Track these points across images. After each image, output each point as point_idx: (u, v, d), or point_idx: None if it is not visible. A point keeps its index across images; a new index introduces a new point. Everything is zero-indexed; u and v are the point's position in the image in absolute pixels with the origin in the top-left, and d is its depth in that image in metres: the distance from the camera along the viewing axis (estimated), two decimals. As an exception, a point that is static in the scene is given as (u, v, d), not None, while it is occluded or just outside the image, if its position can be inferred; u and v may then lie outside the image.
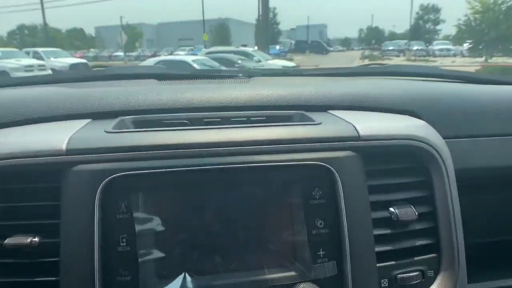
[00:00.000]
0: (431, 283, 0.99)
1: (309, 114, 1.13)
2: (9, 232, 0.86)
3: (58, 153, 0.87)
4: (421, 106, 1.23)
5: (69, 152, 0.87)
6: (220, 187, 0.90)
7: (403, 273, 0.96)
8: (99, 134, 0.95)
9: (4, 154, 0.87)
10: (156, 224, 0.87)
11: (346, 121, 1.05)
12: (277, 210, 0.91)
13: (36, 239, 0.86)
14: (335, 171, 0.91)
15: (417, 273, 0.97)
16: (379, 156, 1.00)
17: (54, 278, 0.85)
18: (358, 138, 0.97)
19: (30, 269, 0.86)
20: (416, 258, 0.99)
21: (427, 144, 1.01)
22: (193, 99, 1.17)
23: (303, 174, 0.91)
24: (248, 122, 1.06)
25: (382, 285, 0.95)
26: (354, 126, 1.00)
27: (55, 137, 0.92)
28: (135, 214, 0.85)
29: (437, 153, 1.02)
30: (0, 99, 1.17)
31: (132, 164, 0.86)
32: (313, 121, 1.04)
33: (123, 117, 1.09)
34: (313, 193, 0.92)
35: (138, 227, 0.84)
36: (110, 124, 1.02)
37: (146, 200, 0.86)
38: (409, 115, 1.20)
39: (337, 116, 1.12)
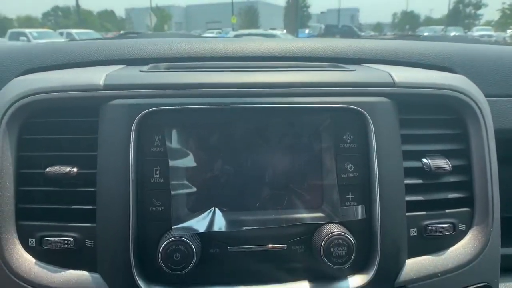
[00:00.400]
0: (462, 236, 0.97)
1: (343, 65, 1.11)
2: (50, 162, 0.90)
3: (96, 87, 0.90)
4: (459, 63, 1.18)
5: (106, 87, 0.90)
6: (251, 127, 0.90)
7: (433, 224, 0.95)
8: (135, 73, 0.97)
9: (45, 88, 0.90)
10: (188, 159, 0.89)
11: (381, 70, 1.02)
12: (307, 152, 0.91)
13: (75, 169, 0.90)
14: (368, 116, 0.89)
15: (447, 225, 0.95)
16: (415, 106, 0.98)
17: (91, 207, 0.89)
18: (393, 84, 0.95)
19: (69, 197, 0.91)
20: (447, 211, 0.97)
21: (466, 95, 0.98)
22: (226, 49, 1.18)
23: (335, 117, 0.91)
24: (282, 68, 1.06)
25: (411, 234, 0.94)
26: (389, 73, 0.97)
27: (93, 74, 0.95)
28: (168, 148, 0.87)
29: (476, 105, 0.98)
30: (40, 48, 1.22)
31: (166, 101, 0.88)
32: (347, 69, 1.03)
33: (157, 63, 1.11)
34: (345, 137, 0.91)
35: (171, 161, 0.87)
36: (144, 67, 1.04)
37: (179, 136, 0.88)
38: (446, 71, 1.16)
39: (371, 67, 1.09)
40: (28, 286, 0.86)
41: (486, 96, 1.09)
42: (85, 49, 1.16)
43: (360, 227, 0.89)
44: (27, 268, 0.88)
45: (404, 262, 0.91)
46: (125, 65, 1.12)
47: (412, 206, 0.94)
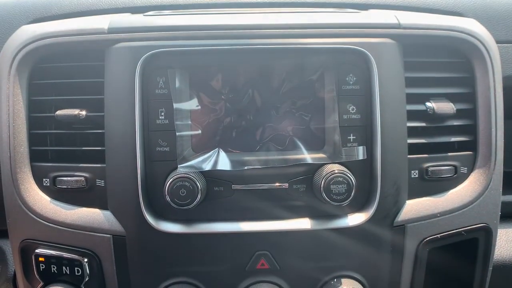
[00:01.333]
0: (464, 179, 0.98)
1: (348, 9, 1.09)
2: (60, 105, 0.93)
3: (101, 31, 0.91)
4: (470, 7, 1.14)
5: (110, 30, 0.91)
6: (254, 70, 0.91)
7: (435, 167, 0.96)
8: (138, 17, 0.98)
9: (52, 33, 0.92)
10: (192, 101, 0.90)
11: (387, 12, 1.00)
12: (310, 94, 0.91)
13: (83, 112, 0.92)
14: (371, 57, 0.89)
15: (449, 167, 0.96)
16: (420, 48, 0.96)
17: (99, 148, 0.92)
18: (399, 26, 0.93)
19: (79, 139, 0.94)
20: (450, 154, 0.98)
21: (474, 37, 0.96)
22: None
23: (338, 58, 0.90)
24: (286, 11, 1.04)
25: (412, 176, 0.95)
26: (395, 15, 0.95)
27: (98, 20, 0.96)
28: (172, 90, 0.88)
29: (484, 48, 0.96)
30: None
31: (169, 43, 0.89)
32: (352, 11, 1.01)
33: (160, 11, 1.11)
34: (347, 78, 0.91)
35: (175, 103, 0.88)
36: (149, 12, 1.04)
37: (183, 78, 0.89)
38: (457, 16, 1.13)
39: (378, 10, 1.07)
40: (44, 222, 0.92)
41: (497, 42, 1.06)
42: None
43: (361, 167, 0.91)
44: (43, 205, 0.93)
45: (404, 203, 0.93)
46: (130, 13, 1.12)
47: (414, 148, 0.94)
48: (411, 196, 0.94)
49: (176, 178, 0.84)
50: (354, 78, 0.90)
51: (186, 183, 0.83)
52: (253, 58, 0.90)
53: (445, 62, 0.98)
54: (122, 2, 1.15)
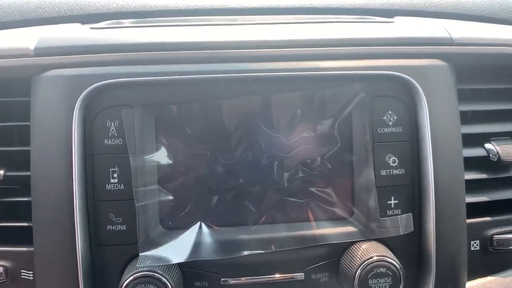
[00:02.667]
0: None
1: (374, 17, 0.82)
2: None
3: (25, 52, 0.62)
4: None
5: (37, 52, 0.62)
6: (251, 106, 0.63)
7: (502, 234, 0.69)
8: (82, 31, 0.69)
9: None
10: (160, 154, 0.62)
11: (428, 21, 0.74)
12: (330, 139, 0.64)
13: (1, 171, 0.63)
14: (418, 86, 0.62)
15: None
16: (476, 71, 0.70)
17: (26, 224, 0.63)
18: (451, 41, 0.66)
19: None
20: None
21: None
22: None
23: (371, 89, 0.63)
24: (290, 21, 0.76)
25: (472, 248, 0.68)
26: (443, 28, 0.69)
27: (24, 36, 0.67)
28: (129, 140, 0.60)
29: None
30: None
31: (125, 69, 0.60)
32: (384, 20, 0.74)
33: (120, 20, 0.82)
34: (385, 117, 0.64)
35: (133, 158, 0.59)
36: (100, 24, 0.75)
37: (146, 121, 0.61)
38: (507, 24, 0.87)
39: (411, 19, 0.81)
40: None
41: None
42: (24, 6, 0.86)
43: (406, 243, 0.64)
44: None
45: (463, 287, 0.66)
46: (80, 23, 0.83)
47: (473, 210, 0.68)
48: (471, 276, 0.68)
49: (136, 278, 0.55)
50: (395, 117, 0.63)
51: (151, 286, 0.54)
52: (250, 90, 0.63)
53: (509, 89, 0.72)
54: (68, 9, 0.86)
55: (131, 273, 0.56)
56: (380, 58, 0.64)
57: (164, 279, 0.55)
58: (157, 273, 0.56)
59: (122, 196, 0.60)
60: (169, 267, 0.58)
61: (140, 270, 0.56)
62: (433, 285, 0.63)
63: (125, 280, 0.56)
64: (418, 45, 0.66)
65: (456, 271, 0.65)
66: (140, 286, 0.55)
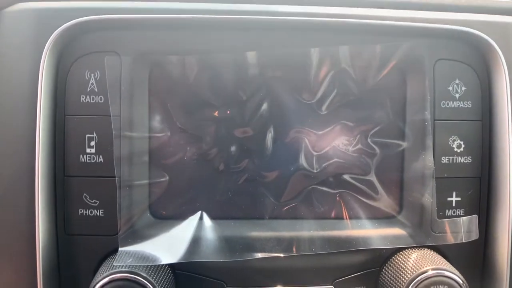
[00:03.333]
0: None
1: None
2: None
3: None
4: None
5: None
6: (275, 62, 0.48)
7: None
8: None
9: None
10: (153, 121, 0.47)
11: None
12: (376, 112, 0.49)
13: None
14: (497, 49, 0.47)
15: None
16: None
17: None
18: None
19: None
20: None
21: None
22: None
23: (434, 49, 0.48)
24: None
25: None
26: None
27: None
28: (112, 97, 0.45)
29: None
30: None
31: (113, 4, 0.46)
32: None
33: None
34: (451, 87, 0.49)
35: (118, 122, 0.45)
36: None
37: (136, 74, 0.46)
38: None
39: None
40: None
41: None
42: None
43: (468, 255, 0.49)
44: None
45: None
46: None
47: None
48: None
49: (113, 280, 0.41)
50: (463, 88, 0.48)
51: None
52: (279, 41, 0.47)
53: None
54: None
55: (106, 274, 0.42)
56: (449, 10, 0.49)
57: (148, 285, 0.41)
58: (140, 276, 0.41)
59: (100, 171, 0.46)
60: (157, 268, 0.44)
61: (118, 270, 0.42)
62: None
63: (97, 283, 0.42)
64: None
65: None
66: None
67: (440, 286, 0.44)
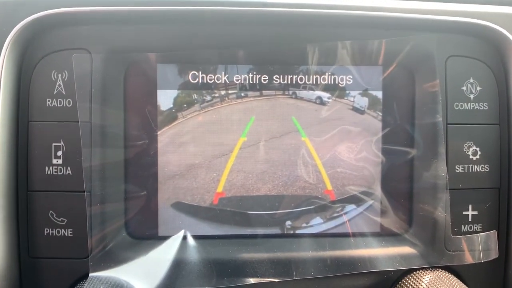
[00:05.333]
0: None
1: None
2: None
3: None
4: None
5: None
6: (273, 56, 0.43)
7: None
8: None
9: None
10: (128, 128, 0.42)
11: None
12: (378, 115, 0.43)
13: None
14: None
15: None
16: None
17: None
18: None
19: None
20: None
21: None
22: None
23: (446, 44, 0.43)
24: None
25: None
26: None
27: None
28: (83, 101, 0.39)
29: None
30: None
31: None
32: None
33: None
34: (465, 87, 0.43)
35: (87, 129, 0.39)
36: None
37: (109, 75, 0.40)
38: None
39: None
40: None
41: None
42: None
43: (487, 276, 0.44)
44: None
45: None
46: None
47: None
48: None
49: None
50: (478, 88, 0.43)
51: None
52: (280, 35, 0.42)
53: None
54: None
55: None
56: (461, 1, 0.44)
57: None
58: None
59: (68, 186, 0.40)
60: None
61: None
62: None
63: None
64: None
65: None
66: None
67: (458, 315, 0.39)
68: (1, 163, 0.39)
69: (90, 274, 0.39)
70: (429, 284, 0.40)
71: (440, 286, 0.40)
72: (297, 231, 0.43)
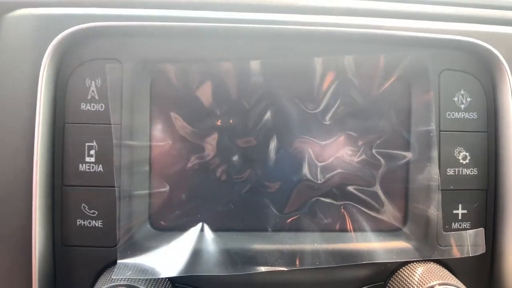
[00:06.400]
0: None
1: None
2: None
3: None
4: None
5: None
6: (279, 70, 0.47)
7: None
8: None
9: None
10: (154, 130, 0.46)
11: None
12: (381, 123, 0.48)
13: None
14: (502, 60, 0.46)
15: None
16: None
17: None
18: None
19: None
20: None
21: None
22: None
23: (439, 59, 0.48)
24: None
25: None
26: None
27: None
28: (114, 105, 0.44)
29: None
30: None
31: (115, 11, 0.45)
32: None
33: None
34: (456, 98, 0.48)
35: (118, 131, 0.44)
36: None
37: (138, 82, 0.45)
38: None
39: None
40: None
41: None
42: None
43: (475, 269, 0.48)
44: None
45: None
46: None
47: None
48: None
49: None
50: (468, 99, 0.48)
51: None
52: (284, 48, 0.47)
53: None
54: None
55: (105, 284, 0.41)
56: (454, 20, 0.49)
57: None
58: (142, 287, 0.40)
59: (99, 181, 0.45)
60: (156, 282, 0.42)
61: (116, 284, 0.41)
62: None
63: None
64: (504, 9, 0.50)
65: None
66: None
67: (447, 302, 0.43)
68: (39, 160, 0.43)
69: (118, 261, 0.43)
70: (422, 274, 0.45)
71: (432, 277, 0.44)
72: (303, 226, 0.48)
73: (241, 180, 0.47)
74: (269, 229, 0.47)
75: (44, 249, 0.44)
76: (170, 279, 0.44)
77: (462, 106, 0.48)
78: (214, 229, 0.46)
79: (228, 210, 0.47)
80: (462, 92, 0.48)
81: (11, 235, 0.44)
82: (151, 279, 0.42)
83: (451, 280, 0.44)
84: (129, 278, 0.41)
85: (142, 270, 0.43)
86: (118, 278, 0.41)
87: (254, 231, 0.47)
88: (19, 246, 0.44)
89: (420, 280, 0.44)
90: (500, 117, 0.48)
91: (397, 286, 0.45)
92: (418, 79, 0.48)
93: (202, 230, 0.46)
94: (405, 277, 0.45)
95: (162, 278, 0.43)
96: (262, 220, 0.47)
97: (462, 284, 0.44)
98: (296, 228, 0.48)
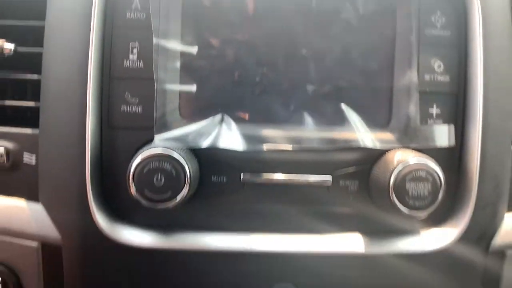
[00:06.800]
0: None
1: None
2: None
3: None
4: None
5: None
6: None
7: None
8: None
9: None
10: (185, 37, 0.56)
11: None
12: (372, 38, 0.58)
13: (10, 45, 0.58)
14: None
15: None
16: None
17: (32, 104, 0.58)
18: None
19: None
20: None
21: None
22: None
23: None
24: None
25: None
26: None
27: None
28: (154, 15, 0.54)
29: None
30: None
31: None
32: None
33: None
34: (433, 18, 0.58)
35: (157, 34, 0.54)
36: None
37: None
38: None
39: None
40: None
41: None
42: None
43: (444, 158, 0.58)
44: None
45: (502, 216, 0.61)
46: None
47: None
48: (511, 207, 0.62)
49: (150, 157, 0.50)
50: (443, 19, 0.58)
51: (166, 165, 0.49)
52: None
53: None
54: None
55: (144, 152, 0.51)
56: None
57: (181, 160, 0.50)
58: (174, 151, 0.50)
59: (140, 74, 0.55)
60: (186, 152, 0.52)
61: (154, 149, 0.51)
62: (473, 210, 0.57)
63: (138, 159, 0.50)
64: None
65: (499, 198, 0.59)
66: (154, 165, 0.50)
67: (422, 174, 0.53)
68: (93, 56, 0.54)
69: (155, 136, 0.54)
70: (401, 155, 0.55)
71: (410, 156, 0.54)
72: (305, 120, 0.58)
73: (255, 82, 0.58)
74: (280, 121, 0.57)
75: (95, 130, 0.55)
76: (195, 152, 0.54)
77: (439, 24, 0.58)
78: (234, 118, 0.56)
79: (244, 106, 0.57)
80: (439, 13, 0.58)
81: (68, 120, 0.55)
82: (180, 149, 0.52)
83: (425, 157, 0.54)
84: (165, 148, 0.51)
85: (175, 141, 0.53)
86: (158, 146, 0.51)
87: (267, 122, 0.57)
88: (75, 128, 0.54)
89: (400, 158, 0.54)
90: (469, 32, 0.58)
91: (382, 165, 0.55)
92: (403, 8, 0.58)
93: (223, 119, 0.56)
94: (387, 159, 0.55)
95: (190, 152, 0.53)
96: (271, 115, 0.57)
97: (436, 164, 0.54)
98: (299, 121, 0.58)
